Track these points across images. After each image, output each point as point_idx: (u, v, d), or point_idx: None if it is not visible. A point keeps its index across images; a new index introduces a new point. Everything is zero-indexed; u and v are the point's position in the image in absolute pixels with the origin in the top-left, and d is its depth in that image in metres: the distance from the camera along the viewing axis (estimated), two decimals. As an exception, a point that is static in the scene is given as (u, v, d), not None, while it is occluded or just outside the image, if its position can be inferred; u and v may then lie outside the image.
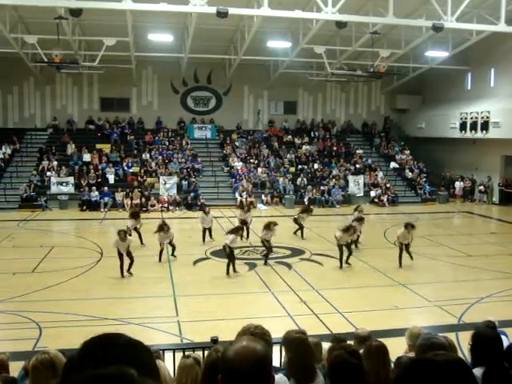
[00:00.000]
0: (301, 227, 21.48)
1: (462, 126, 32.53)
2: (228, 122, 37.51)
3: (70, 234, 23.73)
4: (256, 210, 29.53)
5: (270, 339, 4.16)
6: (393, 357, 4.88)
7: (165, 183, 30.91)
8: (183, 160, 33.76)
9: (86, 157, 32.79)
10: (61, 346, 5.85)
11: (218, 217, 26.36)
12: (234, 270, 15.71)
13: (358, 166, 35.16)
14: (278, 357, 5.97)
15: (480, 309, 12.31)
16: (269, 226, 17.65)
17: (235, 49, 31.60)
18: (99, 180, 30.97)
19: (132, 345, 1.62)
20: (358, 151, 37.05)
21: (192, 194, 30.29)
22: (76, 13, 20.66)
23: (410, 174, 35.43)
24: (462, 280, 15.63)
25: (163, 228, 17.48)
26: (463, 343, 7.87)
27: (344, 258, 16.70)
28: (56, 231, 24.64)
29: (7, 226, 23.50)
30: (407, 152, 37.58)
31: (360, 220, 19.14)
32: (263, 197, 31.36)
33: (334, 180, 33.08)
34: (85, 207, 28.94)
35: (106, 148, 34.06)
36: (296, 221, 21.64)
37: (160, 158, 33.73)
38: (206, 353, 4.61)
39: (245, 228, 20.46)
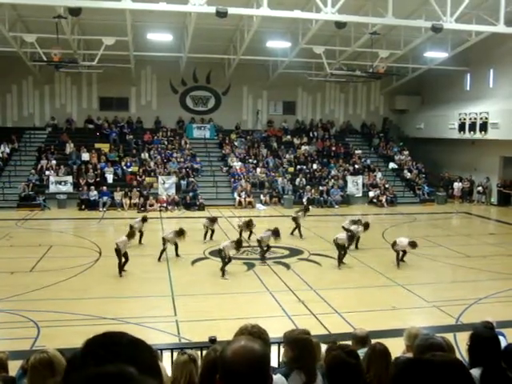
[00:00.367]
0: (298, 226, 21.50)
1: (461, 127, 32.55)
2: (227, 122, 37.51)
3: (68, 234, 23.71)
4: (255, 210, 29.57)
5: (268, 339, 4.16)
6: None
7: (163, 183, 30.90)
8: (182, 160, 33.75)
9: (85, 156, 32.76)
10: (59, 346, 5.84)
11: (216, 217, 26.39)
12: (222, 273, 15.67)
13: (356, 166, 35.16)
14: (275, 356, 5.98)
15: (478, 309, 12.33)
16: (277, 233, 17.99)
17: (234, 49, 31.58)
18: (98, 179, 30.94)
19: (134, 343, 1.62)
20: (356, 151, 37.06)
21: (191, 194, 30.29)
22: (75, 12, 20.64)
23: (409, 174, 35.45)
24: (461, 281, 15.65)
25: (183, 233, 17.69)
26: (461, 344, 7.86)
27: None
28: (54, 230, 24.62)
29: (5, 225, 23.47)
30: (406, 152, 37.60)
31: (366, 226, 19.41)
32: (262, 197, 31.37)
33: (332, 180, 33.09)
34: (83, 206, 28.92)
35: (105, 147, 34.03)
36: (295, 220, 21.66)
37: (159, 157, 33.73)
38: (204, 352, 4.62)
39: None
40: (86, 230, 23.58)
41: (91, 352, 1.55)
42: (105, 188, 29.71)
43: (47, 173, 30.92)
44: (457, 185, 34.35)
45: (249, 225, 20.55)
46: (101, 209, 28.85)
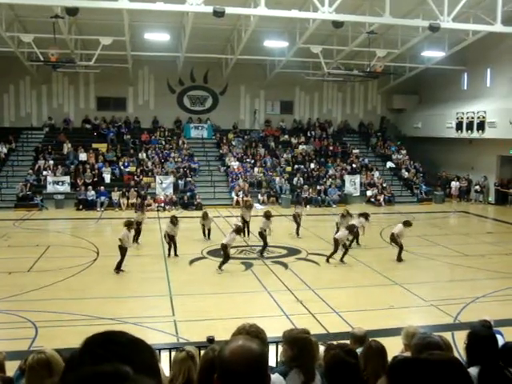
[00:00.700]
0: (298, 225, 21.51)
1: (458, 126, 32.59)
2: (224, 122, 37.51)
3: (66, 234, 23.70)
4: (252, 209, 29.53)
5: (266, 338, 4.16)
6: (389, 356, 4.88)
7: (161, 183, 30.90)
8: (180, 159, 33.74)
9: (82, 156, 32.74)
10: (57, 346, 5.83)
11: (214, 216, 26.39)
12: (220, 267, 15.86)
13: (354, 165, 35.19)
14: (273, 356, 5.98)
15: (476, 308, 12.34)
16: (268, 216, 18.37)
17: (232, 48, 31.58)
18: (95, 179, 30.92)
19: (133, 343, 1.62)
20: (354, 151, 37.07)
21: (188, 194, 30.27)
22: (72, 12, 20.61)
23: (407, 173, 35.48)
24: (458, 280, 15.68)
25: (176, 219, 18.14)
26: (459, 343, 7.87)
27: (338, 255, 16.98)
28: (52, 230, 24.59)
29: (3, 226, 23.44)
30: (403, 152, 37.65)
31: (365, 216, 19.49)
32: (260, 196, 31.38)
33: (330, 180, 33.10)
34: (81, 206, 28.90)
35: (103, 147, 33.99)
36: (295, 218, 21.65)
37: (156, 157, 33.71)
38: (203, 352, 4.62)
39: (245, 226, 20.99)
40: (84, 230, 23.56)
41: (89, 350, 1.55)
42: (102, 188, 29.69)
43: (45, 173, 30.88)
44: (454, 184, 34.38)
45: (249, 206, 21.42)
46: (98, 209, 28.83)
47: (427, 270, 16.67)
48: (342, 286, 14.64)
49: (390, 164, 36.73)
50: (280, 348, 5.36)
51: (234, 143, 36.28)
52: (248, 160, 34.68)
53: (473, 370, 3.70)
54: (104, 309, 12.16)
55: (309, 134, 38.21)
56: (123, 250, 15.66)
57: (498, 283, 14.82)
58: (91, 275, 15.53)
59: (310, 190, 31.67)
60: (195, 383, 4.29)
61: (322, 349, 5.06)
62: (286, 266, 16.86)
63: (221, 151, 35.49)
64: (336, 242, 17.12)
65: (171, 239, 17.65)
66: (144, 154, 33.82)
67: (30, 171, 30.81)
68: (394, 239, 17.55)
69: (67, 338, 9.17)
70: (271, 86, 37.46)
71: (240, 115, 38.87)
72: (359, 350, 4.83)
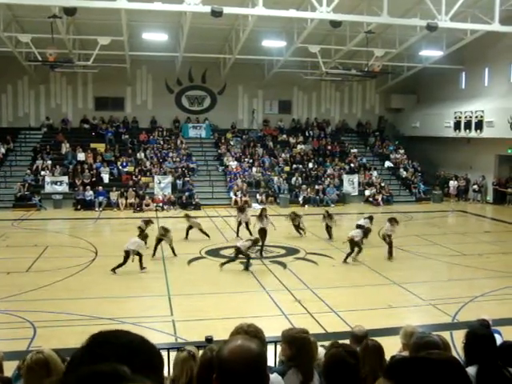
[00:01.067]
0: (296, 225, 21.50)
1: (457, 126, 32.60)
2: (223, 122, 37.51)
3: (64, 234, 23.67)
4: (251, 209, 29.53)
5: (264, 338, 4.16)
6: (387, 356, 4.88)
7: (159, 182, 30.89)
8: (178, 159, 33.73)
9: (81, 156, 32.71)
10: (55, 346, 5.84)
11: (212, 216, 26.43)
12: (222, 264, 16.03)
13: (352, 165, 35.21)
14: (272, 356, 5.98)
15: (474, 307, 12.35)
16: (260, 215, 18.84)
17: (230, 48, 31.57)
18: (94, 179, 30.89)
19: (133, 342, 1.62)
20: (352, 150, 37.10)
21: (187, 194, 30.27)
22: (70, 11, 20.59)
23: (405, 173, 35.51)
24: (457, 279, 15.68)
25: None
26: (457, 342, 7.88)
27: (353, 254, 17.04)
28: (50, 230, 24.57)
29: (1, 226, 23.41)
30: (402, 151, 37.68)
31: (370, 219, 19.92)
32: (258, 196, 31.39)
33: (328, 179, 33.11)
34: (79, 206, 28.87)
35: (101, 147, 33.98)
36: (293, 220, 21.61)
37: (155, 157, 33.70)
38: (201, 352, 4.62)
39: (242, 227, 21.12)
40: (82, 230, 23.54)
41: (88, 350, 1.55)
42: (100, 188, 29.67)
43: (43, 173, 30.86)
44: (452, 183, 34.41)
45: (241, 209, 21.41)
46: (97, 209, 28.81)
47: (425, 270, 16.68)
48: (340, 286, 14.64)
49: (388, 163, 36.74)
50: (279, 348, 5.37)
51: (232, 143, 36.28)
52: (246, 160, 34.68)
53: (471, 370, 3.71)
54: (102, 309, 12.14)
55: (307, 134, 38.21)
56: (128, 256, 15.61)
57: (496, 282, 14.83)
58: (90, 275, 15.52)
59: (309, 190, 31.68)
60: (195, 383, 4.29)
61: (320, 349, 5.07)
62: (284, 265, 16.86)
63: (219, 151, 35.48)
64: (352, 241, 17.11)
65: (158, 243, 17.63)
66: (142, 154, 33.81)
67: (28, 171, 30.79)
68: (384, 238, 17.73)
69: (65, 338, 9.17)
70: (269, 86, 37.45)
71: (238, 115, 38.86)
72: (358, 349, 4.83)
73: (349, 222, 28.03)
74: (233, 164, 33.73)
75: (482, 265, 16.90)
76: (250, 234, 20.56)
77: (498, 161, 32.50)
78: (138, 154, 33.77)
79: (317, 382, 4.22)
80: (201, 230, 20.46)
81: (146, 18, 26.23)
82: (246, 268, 16.02)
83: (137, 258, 15.71)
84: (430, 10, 22.43)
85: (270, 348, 5.95)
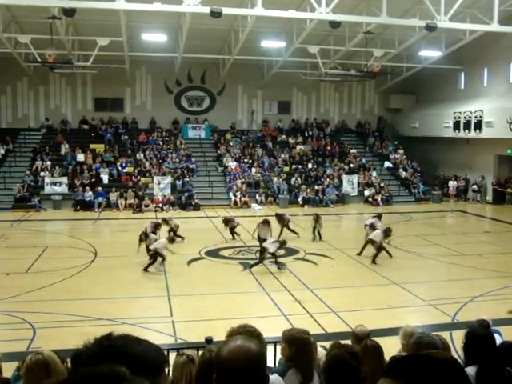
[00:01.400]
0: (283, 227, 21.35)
1: (456, 126, 32.59)
2: (222, 122, 37.50)
3: (63, 235, 23.66)
4: (250, 209, 29.57)
5: (262, 338, 4.16)
6: (386, 356, 4.88)
7: (159, 183, 30.88)
8: (177, 160, 33.73)
9: (80, 157, 32.70)
10: (55, 347, 5.83)
11: (212, 217, 26.42)
12: (251, 267, 16.18)
13: (352, 165, 35.21)
14: (271, 356, 5.98)
15: (474, 308, 12.35)
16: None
17: (229, 49, 31.57)
18: (93, 180, 30.89)
19: (132, 343, 1.62)
20: (351, 151, 37.10)
21: (186, 194, 30.26)
22: (69, 12, 20.61)
23: (404, 173, 35.51)
24: (456, 279, 15.67)
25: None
26: (457, 342, 7.89)
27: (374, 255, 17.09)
28: (50, 231, 24.56)
29: (1, 227, 23.41)
30: (401, 151, 37.68)
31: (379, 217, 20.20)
32: (257, 196, 31.38)
33: (328, 179, 33.11)
34: (79, 207, 28.86)
35: (100, 148, 33.98)
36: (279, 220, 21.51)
37: (154, 158, 33.70)
38: (200, 353, 4.62)
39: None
40: (82, 231, 23.52)
41: (87, 350, 1.55)
42: (100, 189, 29.66)
43: (42, 174, 30.85)
44: (452, 183, 34.42)
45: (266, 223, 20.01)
46: (96, 209, 28.79)
47: (425, 270, 16.67)
48: (340, 286, 14.63)
49: (387, 164, 36.75)
50: (278, 349, 5.36)
51: (231, 143, 36.28)
52: (246, 160, 34.68)
53: (471, 370, 3.71)
54: (102, 310, 12.14)
55: (306, 134, 38.22)
56: (158, 254, 15.81)
57: (496, 282, 14.83)
58: (89, 276, 15.52)
59: (308, 190, 31.68)
60: (194, 384, 4.29)
61: (320, 349, 5.07)
62: (284, 266, 16.84)
63: (218, 151, 35.48)
64: (374, 243, 17.06)
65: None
66: (142, 155, 33.80)
67: (28, 172, 30.79)
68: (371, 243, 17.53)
69: (65, 339, 9.16)
70: (269, 86, 37.46)
71: (238, 115, 38.87)
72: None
73: (349, 223, 28.14)
74: (232, 164, 33.73)
75: (482, 265, 16.90)
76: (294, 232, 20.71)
77: (497, 161, 32.51)
78: (137, 155, 33.76)
79: (316, 383, 4.22)
80: (174, 233, 20.22)
81: (145, 18, 26.23)
82: (279, 268, 15.96)
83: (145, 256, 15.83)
84: (429, 10, 22.45)
85: (270, 348, 5.95)
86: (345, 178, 33.50)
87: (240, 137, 37.18)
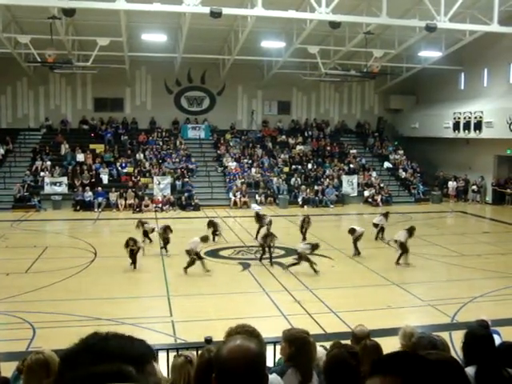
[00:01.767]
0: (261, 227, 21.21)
1: (456, 126, 32.60)
2: (222, 122, 37.50)
3: (63, 235, 23.67)
4: (250, 210, 29.54)
5: (262, 338, 4.17)
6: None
7: (159, 183, 30.88)
8: (177, 160, 33.73)
9: (80, 157, 32.70)
10: (55, 346, 5.82)
11: (212, 217, 26.37)
12: (287, 267, 16.19)
13: (351, 165, 35.21)
14: (271, 356, 5.98)
15: (473, 308, 12.36)
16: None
17: (229, 49, 31.57)
18: (93, 180, 30.91)
19: (130, 342, 1.61)
20: (351, 151, 37.09)
21: (186, 194, 30.26)
22: (69, 13, 20.62)
23: (404, 173, 35.52)
24: (456, 279, 15.69)
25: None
26: (456, 342, 7.89)
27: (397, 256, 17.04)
28: (50, 231, 24.58)
29: (1, 227, 23.42)
30: (401, 152, 37.68)
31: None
32: (257, 197, 31.38)
33: (327, 180, 33.12)
34: (78, 207, 28.87)
35: (100, 148, 33.99)
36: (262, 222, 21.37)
37: (154, 158, 33.71)
38: (199, 353, 4.63)
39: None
40: (82, 231, 23.53)
41: (86, 350, 1.53)
42: (100, 189, 29.67)
43: (42, 174, 30.85)
44: (452, 184, 34.42)
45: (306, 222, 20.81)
46: (96, 210, 28.79)
47: (424, 270, 16.68)
48: (339, 287, 14.64)
49: (387, 164, 36.76)
50: (278, 349, 5.36)
51: (231, 144, 36.28)
52: (245, 160, 34.68)
53: (470, 370, 3.71)
54: (102, 309, 12.15)
55: (306, 135, 38.22)
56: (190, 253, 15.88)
57: (495, 283, 14.84)
58: (89, 276, 15.52)
59: (308, 191, 31.69)
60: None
61: (320, 349, 5.07)
62: (283, 266, 16.84)
63: (218, 152, 35.48)
64: (401, 244, 17.05)
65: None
66: (141, 155, 33.81)
67: (28, 172, 30.80)
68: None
69: (65, 339, 9.11)
70: (268, 87, 37.46)
71: (237, 116, 38.87)
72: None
73: (349, 223, 28.11)
74: (232, 165, 33.73)
75: (481, 265, 16.90)
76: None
77: (497, 161, 32.52)
78: (137, 155, 33.77)
79: (316, 383, 4.22)
80: (146, 234, 19.97)
81: (145, 18, 26.22)
82: (315, 271, 15.76)
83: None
84: (429, 10, 22.46)
85: (270, 349, 5.95)
86: (344, 178, 33.50)
87: (240, 137, 37.18)
